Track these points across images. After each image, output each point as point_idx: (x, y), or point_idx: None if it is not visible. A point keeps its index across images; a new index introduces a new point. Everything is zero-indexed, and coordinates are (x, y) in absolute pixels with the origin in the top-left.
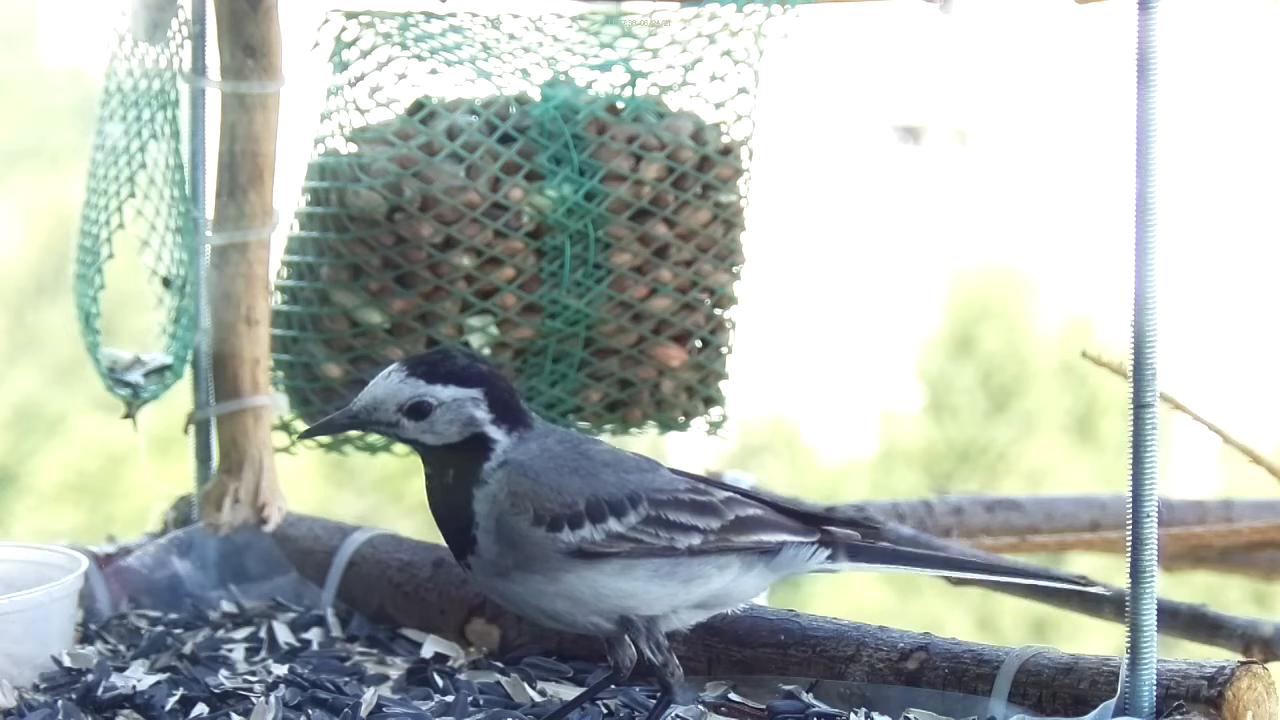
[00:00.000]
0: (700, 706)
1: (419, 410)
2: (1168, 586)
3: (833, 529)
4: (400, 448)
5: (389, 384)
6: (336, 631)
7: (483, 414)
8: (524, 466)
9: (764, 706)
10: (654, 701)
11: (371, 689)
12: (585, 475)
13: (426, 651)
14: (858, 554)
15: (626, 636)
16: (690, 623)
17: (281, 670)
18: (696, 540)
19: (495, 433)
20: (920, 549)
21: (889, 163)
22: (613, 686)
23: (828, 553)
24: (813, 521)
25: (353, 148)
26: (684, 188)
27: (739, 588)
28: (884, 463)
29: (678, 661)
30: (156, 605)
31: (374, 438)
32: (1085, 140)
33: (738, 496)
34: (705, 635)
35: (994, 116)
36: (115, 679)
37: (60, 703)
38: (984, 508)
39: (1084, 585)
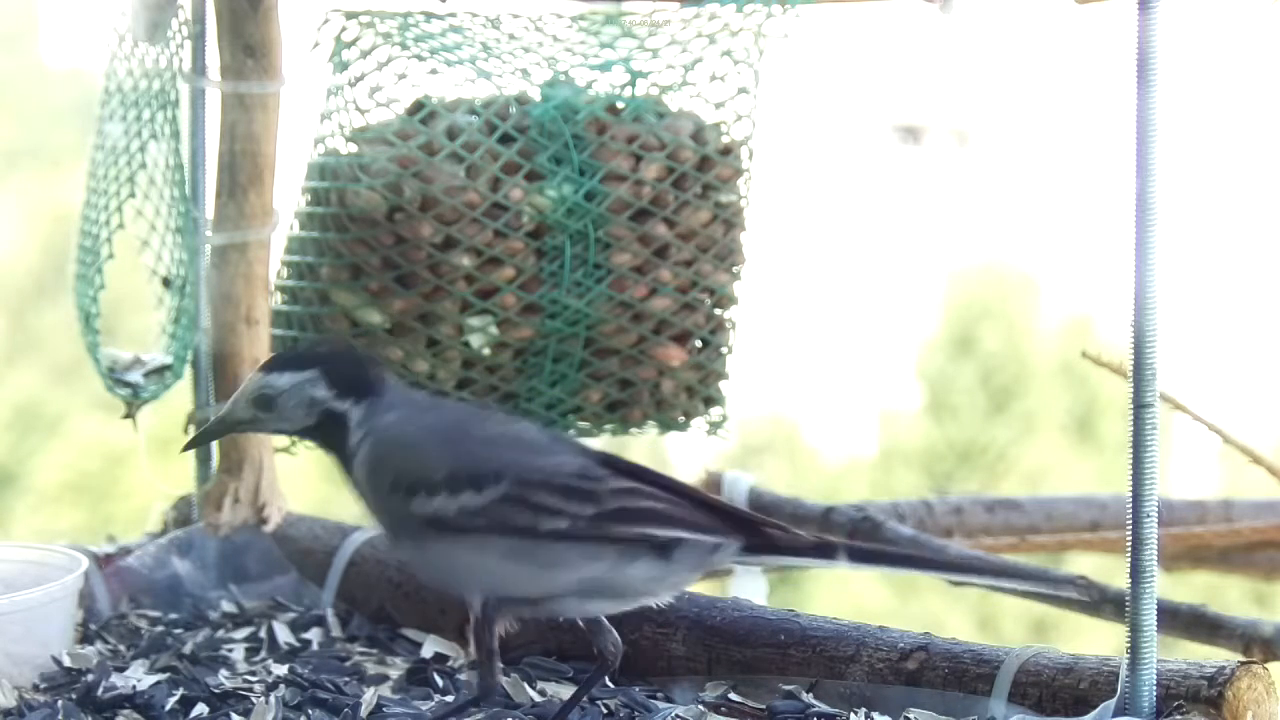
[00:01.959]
0: (700, 706)
1: (264, 402)
2: (1168, 586)
3: (768, 531)
4: None
5: (243, 384)
6: (336, 631)
7: (322, 393)
8: (384, 432)
9: (764, 706)
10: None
11: (371, 689)
12: (451, 445)
13: (426, 651)
14: (778, 548)
15: (604, 623)
16: (590, 612)
17: (281, 670)
18: (562, 524)
19: (342, 406)
20: (883, 547)
21: (889, 163)
22: (606, 677)
23: (738, 545)
24: (741, 524)
25: (353, 148)
26: (684, 188)
27: (624, 579)
28: (884, 463)
29: (502, 667)
30: (156, 605)
31: None
32: (1085, 140)
33: (644, 489)
34: (705, 635)
35: (994, 116)
36: (115, 679)
37: (60, 703)
38: (984, 508)
39: (1040, 580)
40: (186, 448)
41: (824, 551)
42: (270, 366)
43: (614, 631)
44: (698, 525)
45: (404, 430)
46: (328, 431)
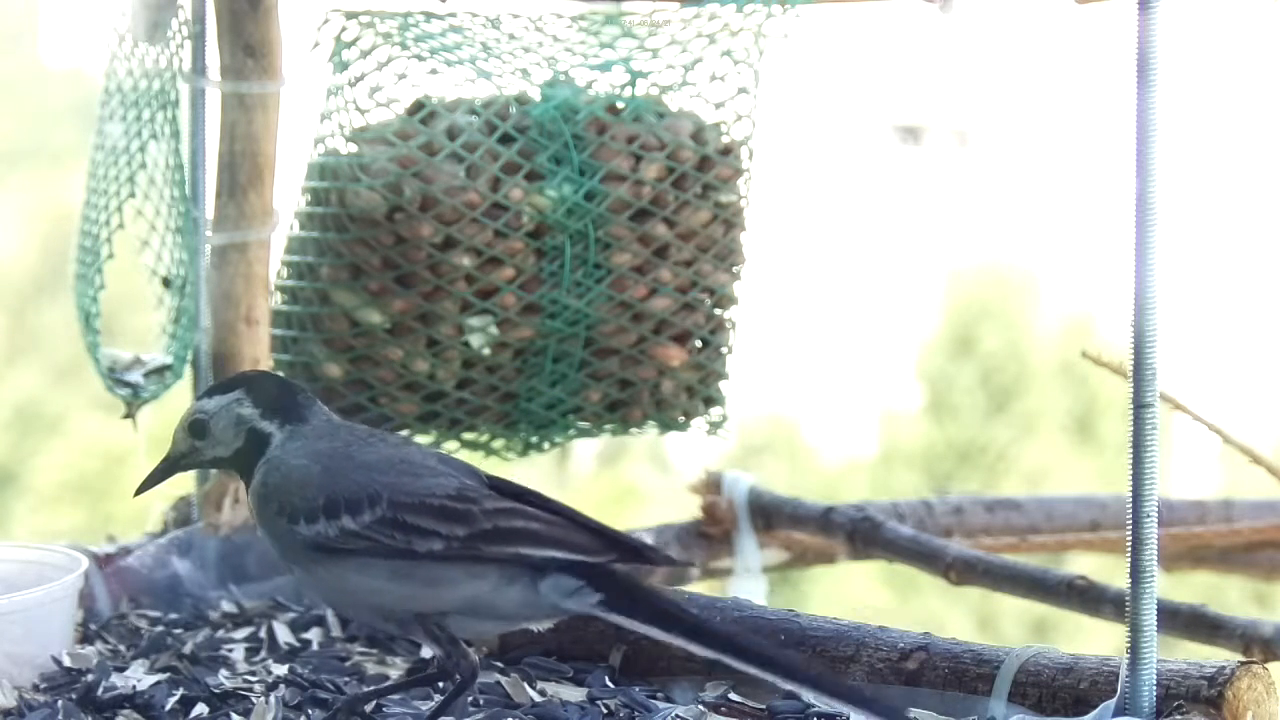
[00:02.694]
0: (700, 706)
1: (198, 429)
2: (1168, 586)
3: (627, 567)
4: None
5: (180, 420)
6: (336, 631)
7: (248, 410)
8: (278, 461)
9: (764, 706)
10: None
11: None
12: (333, 473)
13: (426, 651)
14: (621, 603)
15: (422, 631)
16: (481, 633)
17: (281, 670)
18: (437, 545)
19: (268, 426)
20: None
21: (889, 163)
22: (440, 684)
23: (585, 586)
24: (627, 551)
25: (353, 148)
26: (684, 188)
27: (504, 599)
28: (884, 463)
29: (466, 649)
30: (156, 605)
31: None
32: (1085, 140)
33: (521, 509)
34: None
35: (994, 116)
36: (115, 679)
37: (60, 703)
38: (984, 508)
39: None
40: (138, 493)
41: (664, 621)
42: (199, 397)
43: (470, 655)
44: (572, 545)
45: (290, 458)
46: (250, 453)
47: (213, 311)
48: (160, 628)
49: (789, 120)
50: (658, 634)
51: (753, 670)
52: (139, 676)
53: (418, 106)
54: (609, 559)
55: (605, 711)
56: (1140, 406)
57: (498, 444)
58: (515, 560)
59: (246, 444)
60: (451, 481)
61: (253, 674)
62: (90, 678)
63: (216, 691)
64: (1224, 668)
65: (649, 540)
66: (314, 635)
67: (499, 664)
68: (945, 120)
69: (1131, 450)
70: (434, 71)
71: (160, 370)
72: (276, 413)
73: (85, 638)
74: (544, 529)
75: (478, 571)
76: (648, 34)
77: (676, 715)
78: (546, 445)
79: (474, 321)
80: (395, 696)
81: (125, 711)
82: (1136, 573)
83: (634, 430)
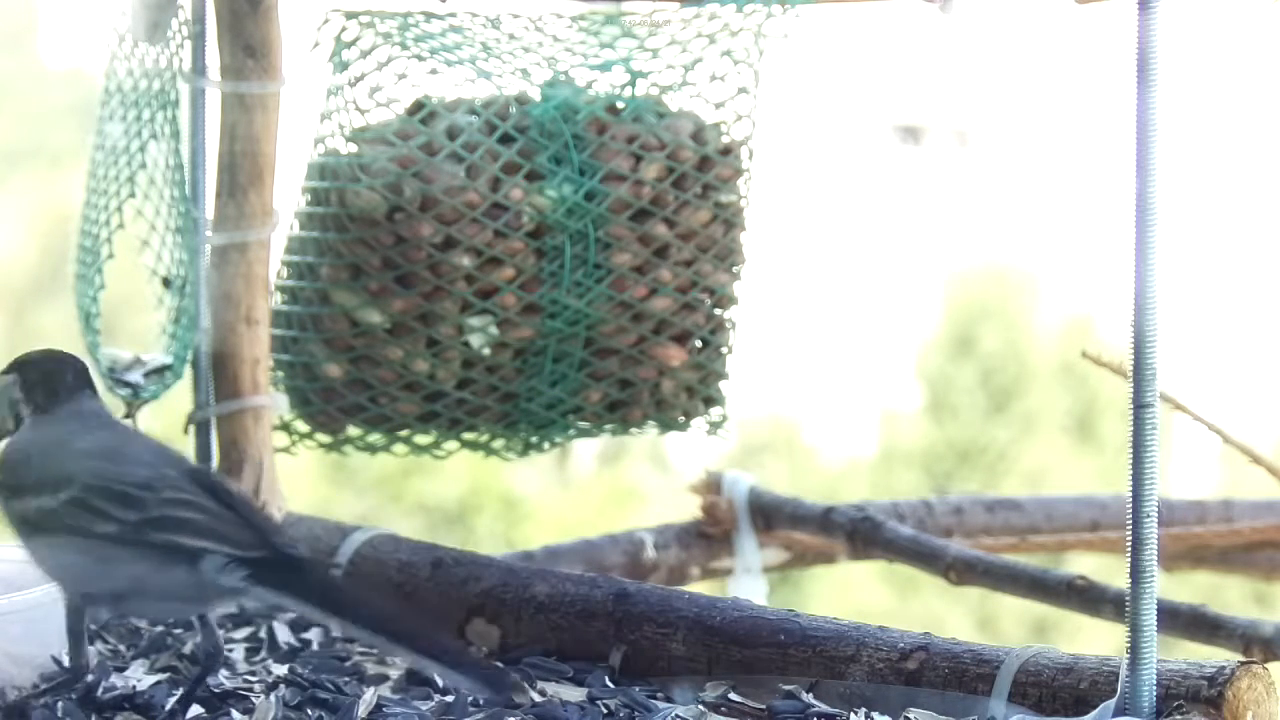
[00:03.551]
0: (700, 706)
1: None
2: (1168, 586)
3: (286, 562)
4: (400, 448)
5: None
6: (336, 631)
7: (18, 394)
8: (12, 443)
9: (764, 706)
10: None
11: (371, 689)
12: (44, 456)
13: None
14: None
15: (210, 623)
16: (160, 614)
17: (281, 670)
18: (112, 528)
19: (24, 411)
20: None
21: (889, 163)
22: (211, 675)
23: (246, 573)
24: (279, 556)
25: (353, 148)
26: (684, 188)
27: (160, 583)
28: (884, 463)
29: (86, 650)
30: None
31: (374, 437)
32: (1085, 140)
33: (195, 502)
34: (705, 635)
35: (994, 116)
36: (115, 679)
37: (60, 703)
38: (984, 508)
39: None
40: None
41: (303, 594)
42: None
43: (216, 635)
44: (226, 539)
45: (18, 442)
46: (12, 434)
47: (213, 311)
48: (160, 628)
49: (789, 120)
50: (297, 606)
51: (389, 645)
52: (139, 676)
53: (418, 106)
54: (257, 556)
55: (605, 711)
56: (1140, 406)
57: (498, 444)
58: (174, 547)
59: (15, 425)
60: (144, 471)
61: (253, 674)
62: (90, 678)
63: (216, 691)
64: (1224, 668)
65: (649, 540)
66: (314, 635)
67: (499, 664)
68: (945, 120)
69: (1131, 450)
70: (434, 71)
71: (160, 370)
72: (34, 398)
73: (89, 639)
74: (206, 521)
75: (143, 554)
76: (648, 34)
77: (676, 715)
78: (546, 445)
79: (474, 321)
80: (395, 697)
81: (125, 711)
82: (1136, 573)
83: (634, 430)
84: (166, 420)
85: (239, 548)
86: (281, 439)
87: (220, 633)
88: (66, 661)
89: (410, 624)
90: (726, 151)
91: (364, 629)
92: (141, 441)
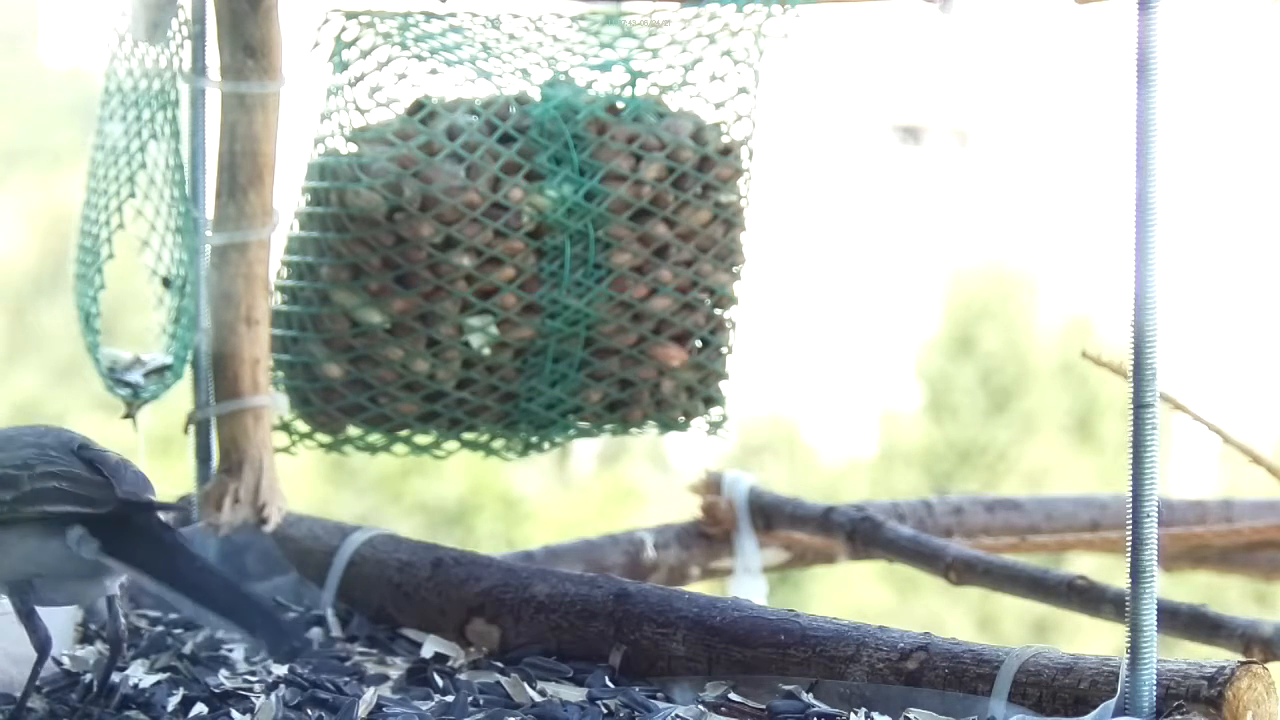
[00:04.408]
0: (700, 706)
1: None
2: (1168, 586)
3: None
4: (400, 448)
5: None
6: (336, 631)
7: None
8: None
9: (764, 706)
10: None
11: (371, 689)
12: None
13: (426, 651)
14: (118, 548)
15: (115, 607)
16: (66, 598)
17: (281, 670)
18: None
19: None
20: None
21: (889, 163)
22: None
23: (98, 544)
24: (131, 504)
25: (353, 148)
26: (684, 188)
27: (48, 556)
28: (884, 463)
29: (39, 624)
30: (156, 605)
31: (374, 437)
32: (1085, 140)
33: (65, 472)
34: (705, 635)
35: (994, 116)
36: (115, 678)
37: (60, 704)
38: (984, 508)
39: None
40: None
41: (147, 566)
42: None
43: (120, 620)
44: (81, 499)
45: None
46: None
47: (213, 311)
48: (160, 628)
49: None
50: (149, 580)
51: (199, 610)
52: (139, 676)
53: (418, 106)
54: (109, 509)
55: (605, 711)
56: (1140, 406)
57: (498, 444)
58: (43, 518)
59: None
60: (25, 453)
61: (253, 674)
62: (90, 678)
63: (216, 691)
64: (1224, 668)
65: (649, 540)
66: (314, 635)
67: (499, 664)
68: (945, 120)
69: (1131, 450)
70: (434, 71)
71: (160, 370)
72: None
73: (85, 638)
74: (69, 487)
75: (24, 532)
76: (648, 34)
77: (676, 715)
78: (546, 445)
79: (474, 321)
80: (395, 697)
81: (125, 711)
82: (1136, 573)
83: (634, 430)
84: (166, 420)
85: (93, 505)
86: (281, 439)
87: (124, 620)
88: (67, 663)
89: (220, 589)
90: (726, 151)
91: (181, 595)
92: (37, 430)
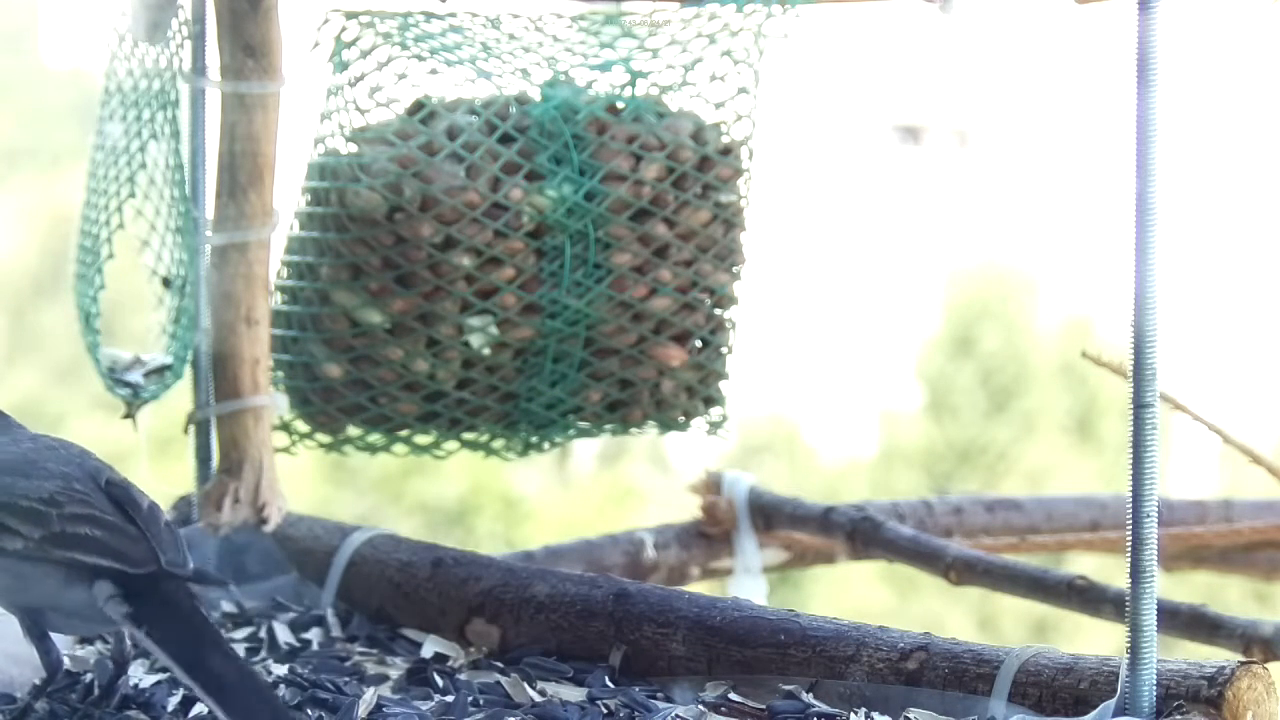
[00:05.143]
0: (700, 706)
1: None
2: (1168, 586)
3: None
4: (400, 448)
5: None
6: (336, 631)
7: None
8: None
9: (764, 706)
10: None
11: (371, 689)
12: None
13: (426, 651)
14: (147, 620)
15: (47, 640)
16: (73, 630)
17: (281, 670)
18: (18, 544)
19: None
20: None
21: (889, 163)
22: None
23: (128, 610)
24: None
25: (353, 148)
26: (684, 188)
27: (70, 599)
28: (884, 463)
29: (50, 646)
30: None
31: (374, 437)
32: (1085, 140)
33: (98, 517)
34: (705, 635)
35: (994, 116)
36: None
37: (61, 704)
38: (984, 508)
39: None
40: None
41: (177, 652)
42: None
43: (125, 645)
44: (119, 555)
45: None
46: None
47: (213, 311)
48: None
49: (789, 120)
50: (169, 662)
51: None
52: (139, 676)
53: (418, 106)
54: (147, 570)
55: (605, 711)
56: (1140, 406)
57: (498, 444)
58: (73, 564)
59: None
60: (51, 485)
61: None
62: (90, 678)
63: None
64: (1224, 668)
65: (649, 540)
66: (314, 635)
67: (499, 664)
68: (945, 120)
69: (1131, 450)
70: (434, 71)
71: (160, 370)
72: None
73: (85, 638)
74: (104, 536)
75: (48, 571)
76: (648, 34)
77: (676, 715)
78: (546, 445)
79: (474, 321)
80: (395, 697)
81: (126, 711)
82: (1136, 573)
83: (634, 430)
84: (166, 420)
85: (131, 564)
86: (281, 439)
87: (129, 645)
88: (67, 664)
89: (238, 687)
90: (726, 151)
91: (199, 687)
92: (58, 454)
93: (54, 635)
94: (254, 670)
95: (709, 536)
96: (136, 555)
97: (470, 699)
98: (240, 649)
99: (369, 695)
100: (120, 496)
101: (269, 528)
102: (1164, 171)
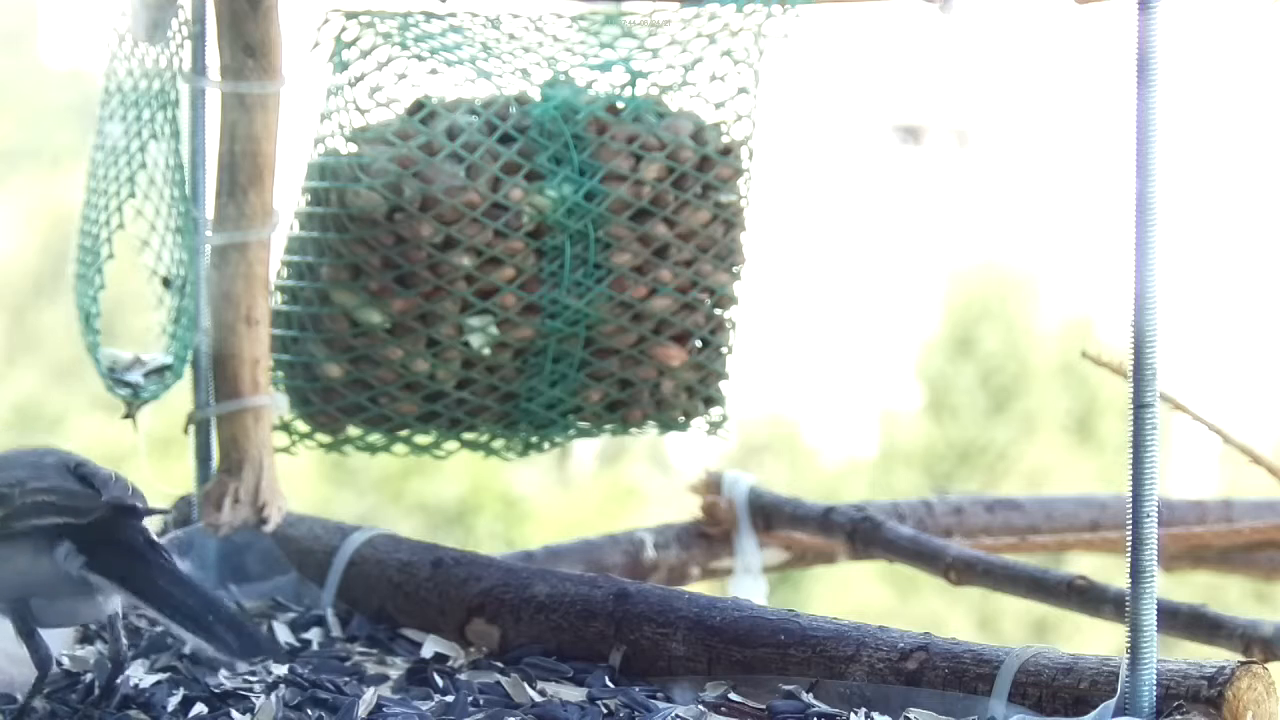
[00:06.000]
0: (700, 706)
1: None
2: (1168, 586)
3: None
4: (400, 448)
5: None
6: (336, 631)
7: None
8: None
9: (764, 706)
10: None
11: (371, 689)
12: None
13: (426, 651)
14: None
15: (117, 628)
16: (59, 619)
17: (281, 670)
18: None
19: None
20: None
21: (889, 163)
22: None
23: (83, 560)
24: (116, 508)
25: (353, 148)
26: (684, 188)
27: (40, 572)
28: (884, 463)
29: (40, 642)
30: None
31: (374, 437)
32: (1085, 140)
33: (58, 485)
34: (705, 635)
35: (994, 116)
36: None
37: (61, 704)
38: (984, 508)
39: None
40: None
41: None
42: None
43: (121, 642)
44: (67, 509)
45: None
46: None
47: (213, 311)
48: (160, 628)
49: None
50: (134, 599)
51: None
52: (139, 676)
53: (418, 106)
54: (94, 516)
55: (605, 711)
56: (1140, 406)
57: (498, 444)
58: (33, 534)
59: None
60: (20, 472)
61: (253, 674)
62: (90, 678)
63: (216, 691)
64: (1224, 668)
65: (649, 540)
66: (314, 635)
67: (499, 664)
68: (945, 120)
69: (1131, 450)
70: (434, 71)
71: (160, 370)
72: None
73: (85, 638)
74: (57, 500)
75: (17, 548)
76: (648, 34)
77: (676, 715)
78: (546, 445)
79: (474, 321)
80: (395, 697)
81: (126, 711)
82: (1136, 573)
83: (634, 430)
84: (166, 420)
85: (79, 515)
86: (281, 439)
87: (125, 642)
88: (67, 664)
89: (190, 600)
90: (726, 151)
91: (152, 607)
92: (37, 453)
93: (49, 634)
94: (219, 597)
95: (709, 536)
96: (83, 505)
97: (470, 699)
98: None
99: (369, 695)
100: (85, 473)
101: (269, 528)
102: (1164, 171)
